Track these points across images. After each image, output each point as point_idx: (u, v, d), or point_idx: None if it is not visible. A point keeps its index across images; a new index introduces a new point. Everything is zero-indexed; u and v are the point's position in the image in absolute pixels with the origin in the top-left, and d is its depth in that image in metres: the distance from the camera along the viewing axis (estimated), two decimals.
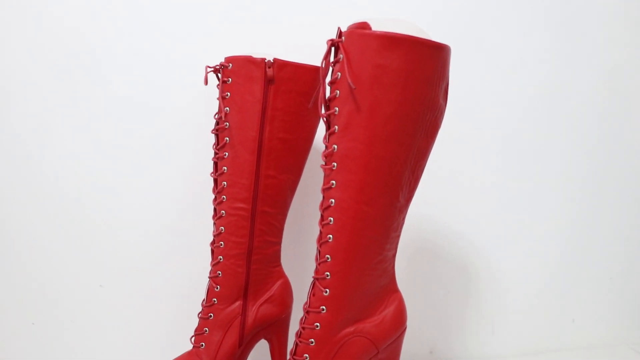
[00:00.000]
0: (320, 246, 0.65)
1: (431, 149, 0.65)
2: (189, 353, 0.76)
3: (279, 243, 0.78)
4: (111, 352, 0.93)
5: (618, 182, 0.95)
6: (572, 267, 0.95)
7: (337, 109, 0.62)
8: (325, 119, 0.63)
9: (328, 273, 0.64)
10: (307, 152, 0.77)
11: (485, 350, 0.94)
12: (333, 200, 0.63)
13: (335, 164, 0.62)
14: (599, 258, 0.95)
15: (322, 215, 0.65)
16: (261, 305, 0.77)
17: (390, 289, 0.68)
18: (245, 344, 0.76)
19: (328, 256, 0.64)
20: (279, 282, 0.78)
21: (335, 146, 0.62)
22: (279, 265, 0.79)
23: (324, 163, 0.64)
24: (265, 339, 0.79)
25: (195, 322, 0.81)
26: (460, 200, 0.93)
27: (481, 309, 0.94)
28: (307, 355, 0.65)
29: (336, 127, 0.62)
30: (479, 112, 0.93)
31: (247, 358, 0.77)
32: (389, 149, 0.61)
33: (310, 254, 0.91)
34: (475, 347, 0.94)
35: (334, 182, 0.63)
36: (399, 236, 0.67)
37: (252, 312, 0.76)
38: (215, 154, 0.75)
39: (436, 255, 0.93)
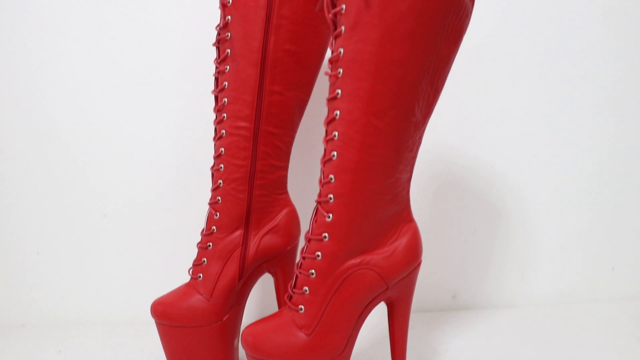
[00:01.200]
0: (323, 165, 0.57)
1: (454, 57, 0.56)
2: (186, 285, 0.70)
3: (286, 168, 0.70)
4: (110, 283, 0.89)
5: None
6: (614, 209, 0.84)
7: (344, 6, 0.53)
8: (330, 18, 0.54)
9: (331, 195, 0.56)
10: (318, 67, 0.68)
11: (513, 297, 0.85)
12: (338, 112, 0.54)
13: (341, 70, 0.53)
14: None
15: (326, 131, 0.57)
16: (264, 235, 0.69)
17: (403, 218, 0.59)
18: (247, 277, 0.69)
19: (332, 176, 0.56)
20: (284, 211, 0.71)
21: (342, 50, 0.53)
22: (285, 192, 0.71)
23: (329, 70, 0.55)
24: (270, 273, 0.72)
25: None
26: (493, 132, 0.83)
27: (510, 251, 0.85)
28: (306, 288, 0.58)
29: (342, 27, 0.53)
30: (509, 33, 0.82)
31: (249, 293, 0.71)
32: (403, 52, 0.51)
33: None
34: (502, 294, 0.86)
35: (339, 91, 0.54)
36: (414, 157, 0.58)
37: (253, 243, 0.69)
38: (216, 68, 0.67)
39: (464, 191, 0.83)
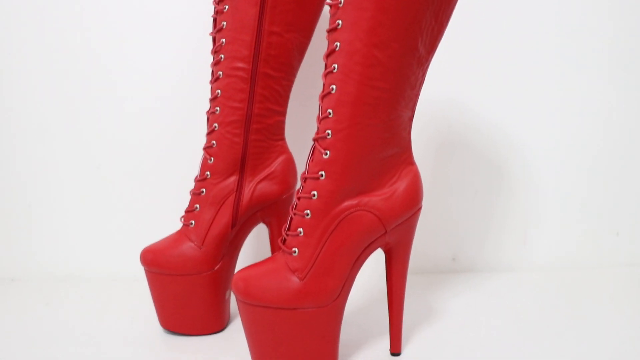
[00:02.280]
0: (322, 100, 0.54)
1: None
2: (177, 232, 0.67)
3: (283, 113, 0.68)
4: (103, 236, 0.87)
5: None
6: (619, 174, 0.81)
7: None
8: None
9: (329, 131, 0.53)
10: (319, 10, 0.65)
11: (514, 261, 0.83)
12: (338, 44, 0.52)
13: None
14: None
15: (325, 64, 0.54)
16: (259, 182, 0.67)
17: (404, 160, 0.57)
18: (240, 226, 0.67)
19: (330, 111, 0.53)
20: (281, 158, 0.68)
21: None
22: (283, 139, 0.69)
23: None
24: (264, 222, 0.70)
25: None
26: (499, 90, 0.81)
27: (513, 214, 0.82)
28: (301, 229, 0.55)
29: None
30: None
31: (242, 243, 0.68)
32: None
33: None
34: (504, 257, 0.83)
35: (339, 21, 0.51)
36: (417, 96, 0.55)
37: (248, 189, 0.66)
38: (215, 8, 0.64)
39: (467, 150, 0.81)
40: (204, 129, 0.69)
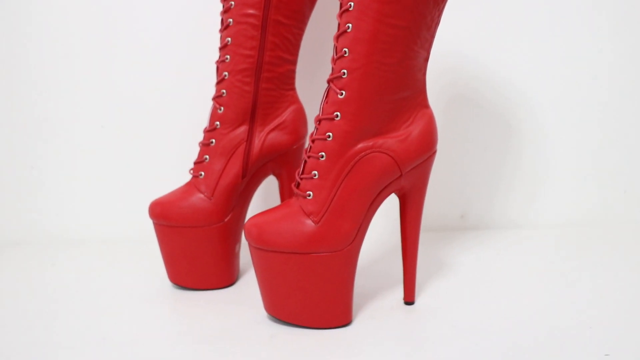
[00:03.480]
0: (337, 40, 0.53)
1: None
2: (186, 184, 0.66)
3: (294, 62, 0.67)
4: (108, 197, 0.86)
5: None
6: (628, 132, 0.81)
7: None
8: None
9: (345, 70, 0.52)
10: None
11: (523, 218, 0.83)
12: None
13: None
14: None
15: (340, 3, 0.53)
16: (270, 132, 0.66)
17: (419, 103, 0.56)
18: (250, 176, 0.66)
19: (346, 49, 0.52)
20: (291, 108, 0.67)
21: None
22: (293, 89, 0.68)
23: None
24: (274, 174, 0.69)
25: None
26: (511, 44, 0.80)
27: (522, 171, 0.82)
28: (315, 172, 0.54)
29: None
30: None
31: (252, 195, 0.68)
32: None
33: None
34: (513, 215, 0.83)
35: None
36: (433, 37, 0.54)
37: (259, 139, 0.66)
38: None
39: (477, 106, 0.80)
40: (207, 82, 0.68)
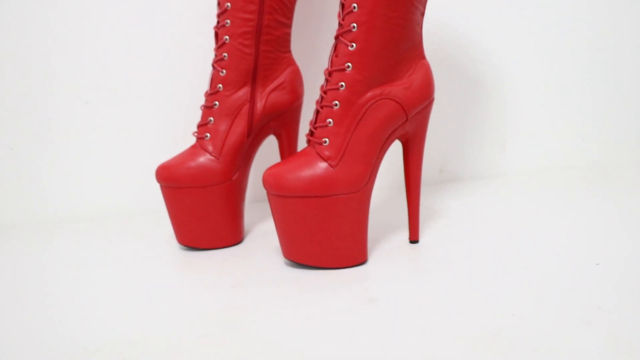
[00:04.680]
0: None
1: None
2: (191, 147, 0.70)
3: (290, 26, 0.71)
4: (94, 177, 0.87)
5: None
6: (582, 89, 0.91)
7: None
8: None
9: (354, 24, 0.58)
10: None
11: (495, 168, 0.92)
12: None
13: None
14: (609, 78, 0.91)
15: None
16: (271, 92, 0.70)
17: (417, 55, 0.62)
18: (254, 135, 0.70)
19: (355, 5, 0.57)
20: (289, 69, 0.72)
21: None
22: (289, 51, 0.73)
23: None
24: (275, 134, 0.74)
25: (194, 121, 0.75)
26: (484, 10, 0.88)
27: (493, 126, 0.90)
28: (330, 120, 0.60)
29: None
30: None
31: (255, 154, 0.72)
32: None
33: (320, 49, 0.85)
34: (486, 165, 0.91)
35: None
36: None
37: (261, 99, 0.70)
38: None
39: (449, 67, 0.87)
40: (199, 62, 0.71)
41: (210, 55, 0.73)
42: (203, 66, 0.77)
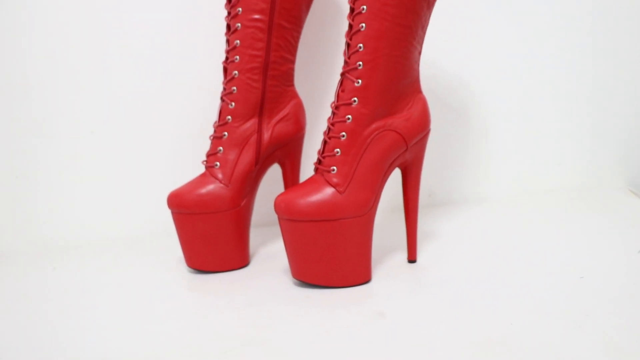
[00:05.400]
0: (350, 38, 0.65)
1: None
2: (201, 175, 0.75)
3: (294, 62, 0.78)
4: (97, 205, 0.92)
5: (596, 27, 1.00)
6: (563, 113, 1.00)
7: None
8: None
9: (360, 62, 0.64)
10: None
11: (479, 192, 0.99)
12: None
13: None
14: (584, 107, 1.00)
15: (352, 8, 0.65)
16: (277, 123, 0.76)
17: (415, 89, 0.69)
18: (261, 164, 0.76)
19: (360, 45, 0.64)
20: (293, 102, 0.78)
21: None
22: (293, 85, 0.79)
23: None
24: (279, 163, 0.80)
25: (199, 154, 0.81)
26: (467, 49, 0.96)
27: (476, 154, 0.98)
28: (338, 150, 0.66)
29: None
30: None
31: (260, 181, 0.77)
32: None
33: (320, 83, 0.92)
34: (471, 190, 0.99)
35: None
36: (424, 36, 0.68)
37: (268, 130, 0.76)
38: None
39: (438, 101, 0.95)
40: (201, 95, 0.77)
41: (217, 87, 0.78)
42: (210, 99, 0.84)
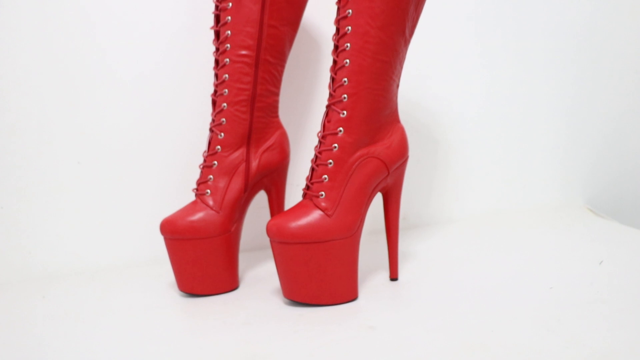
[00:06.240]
0: (335, 73, 0.72)
1: None
2: (192, 203, 0.80)
3: (278, 94, 0.84)
4: (83, 237, 0.95)
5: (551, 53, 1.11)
6: (524, 136, 1.10)
7: None
8: None
9: (345, 95, 0.71)
10: (304, 7, 0.83)
11: (449, 214, 1.07)
12: (349, 28, 0.70)
13: None
14: (545, 129, 1.10)
15: (336, 45, 0.72)
16: (263, 152, 0.82)
17: (394, 119, 0.76)
18: (249, 191, 0.81)
19: (345, 79, 0.71)
20: (278, 132, 0.84)
21: None
22: (277, 116, 0.85)
23: None
24: (265, 190, 0.85)
25: (188, 183, 0.87)
26: (440, 80, 1.05)
27: (445, 176, 1.06)
28: (326, 176, 0.72)
29: None
30: None
31: (248, 207, 0.83)
32: None
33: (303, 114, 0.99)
34: (440, 212, 1.06)
35: (350, 10, 0.70)
36: (402, 69, 0.75)
37: (255, 159, 0.81)
38: (217, 7, 0.79)
39: (411, 128, 1.02)
40: (185, 129, 0.85)
41: (206, 118, 0.85)
42: (198, 130, 0.90)
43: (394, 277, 0.80)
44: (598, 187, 1.14)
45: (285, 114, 0.95)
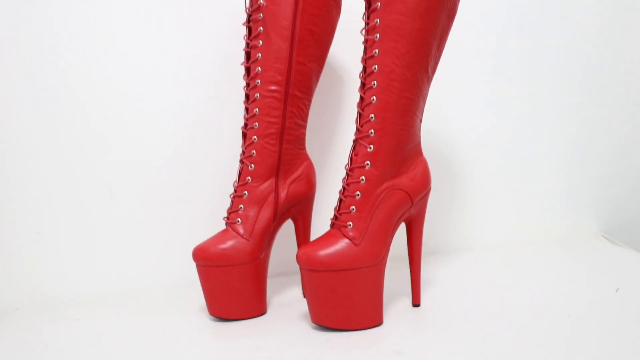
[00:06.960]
0: (362, 109, 0.77)
1: (450, 29, 0.80)
2: (223, 231, 0.85)
3: (305, 127, 0.89)
4: (113, 262, 1.00)
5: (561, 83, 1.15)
6: (536, 172, 1.14)
7: None
8: None
9: (372, 130, 0.76)
10: (329, 45, 0.88)
11: (466, 242, 1.12)
12: (376, 66, 0.75)
13: (377, 34, 0.75)
14: (559, 163, 1.15)
15: (363, 83, 0.77)
16: (291, 183, 0.87)
17: (418, 152, 0.81)
18: (278, 220, 0.86)
19: (372, 115, 0.76)
20: (305, 163, 0.90)
21: (378, 20, 0.75)
22: (304, 148, 0.90)
23: (363, 39, 0.76)
24: (292, 219, 0.90)
25: (219, 212, 0.92)
26: (456, 111, 1.10)
27: (463, 206, 1.11)
28: (354, 207, 0.77)
29: (378, 3, 0.75)
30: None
31: (276, 235, 0.87)
32: (423, 21, 0.74)
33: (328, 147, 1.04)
34: (459, 241, 1.11)
35: (376, 50, 0.75)
36: (424, 105, 0.80)
37: (283, 189, 0.86)
38: (247, 44, 0.85)
39: (428, 157, 1.07)
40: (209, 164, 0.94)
41: (236, 149, 0.90)
42: (231, 160, 0.96)
43: (416, 304, 0.84)
44: (608, 212, 1.19)
45: (311, 146, 1.01)
